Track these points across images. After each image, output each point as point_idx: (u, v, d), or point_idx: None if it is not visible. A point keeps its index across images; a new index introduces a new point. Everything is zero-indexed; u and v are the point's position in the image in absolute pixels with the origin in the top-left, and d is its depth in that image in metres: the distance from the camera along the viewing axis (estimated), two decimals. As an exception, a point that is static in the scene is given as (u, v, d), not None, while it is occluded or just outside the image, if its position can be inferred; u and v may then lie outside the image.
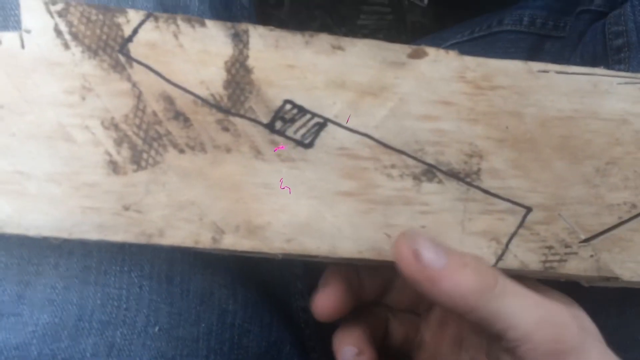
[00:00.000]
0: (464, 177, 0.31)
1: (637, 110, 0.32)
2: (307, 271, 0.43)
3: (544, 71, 0.32)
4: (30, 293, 0.30)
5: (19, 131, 0.28)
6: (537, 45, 0.49)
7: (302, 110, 0.29)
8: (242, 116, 0.29)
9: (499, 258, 0.30)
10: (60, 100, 0.28)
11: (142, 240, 0.28)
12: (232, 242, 0.28)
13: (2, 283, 0.30)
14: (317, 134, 0.30)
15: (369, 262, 0.30)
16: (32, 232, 0.27)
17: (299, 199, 0.29)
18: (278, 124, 0.29)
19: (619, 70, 0.46)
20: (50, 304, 0.31)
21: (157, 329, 0.32)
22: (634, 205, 0.32)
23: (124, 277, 0.32)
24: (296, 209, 0.29)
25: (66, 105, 0.28)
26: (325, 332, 0.43)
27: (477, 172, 0.31)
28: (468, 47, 0.52)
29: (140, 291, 0.32)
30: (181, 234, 0.28)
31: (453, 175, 0.30)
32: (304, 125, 0.29)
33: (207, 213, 0.28)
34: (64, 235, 0.28)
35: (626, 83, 0.33)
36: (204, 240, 0.28)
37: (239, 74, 0.29)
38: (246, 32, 0.29)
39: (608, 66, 0.45)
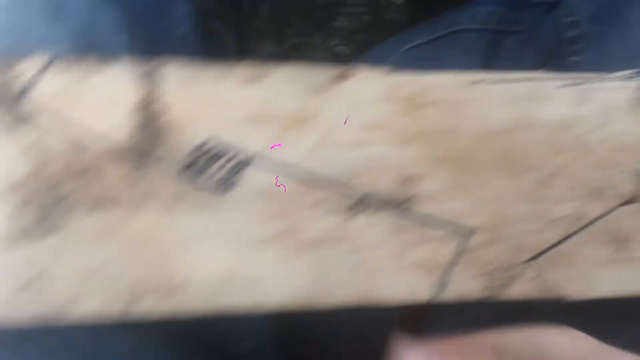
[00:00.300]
0: (399, 206, 0.29)
1: (578, 113, 0.30)
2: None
3: (479, 82, 0.29)
4: None
5: None
6: (496, 42, 0.46)
7: (221, 150, 0.27)
8: (156, 162, 0.27)
9: (438, 289, 0.29)
10: None
11: (51, 314, 0.26)
12: (150, 305, 0.26)
13: None
14: (237, 175, 0.27)
15: (299, 310, 0.28)
16: None
17: (220, 250, 0.27)
18: (195, 168, 0.27)
19: (575, 63, 0.44)
20: None
21: None
22: (580, 217, 0.30)
23: (37, 351, 0.30)
24: (217, 262, 0.27)
25: None
26: None
27: (413, 198, 0.29)
28: (427, 50, 0.49)
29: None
30: (94, 304, 0.26)
31: (386, 204, 0.29)
32: (223, 166, 0.27)
33: (121, 276, 0.26)
34: None
35: (566, 85, 0.31)
36: (120, 307, 0.26)
37: (150, 117, 0.26)
38: (158, 69, 0.26)
39: (564, 59, 0.43)
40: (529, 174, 0.30)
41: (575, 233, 0.30)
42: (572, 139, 0.30)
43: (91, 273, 0.26)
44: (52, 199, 0.26)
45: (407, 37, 0.53)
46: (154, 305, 0.26)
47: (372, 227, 0.28)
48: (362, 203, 0.28)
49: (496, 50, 0.46)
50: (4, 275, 0.26)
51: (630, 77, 0.32)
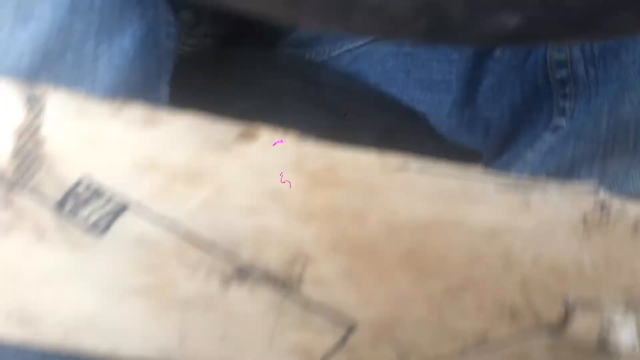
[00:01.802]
0: (282, 283, 0.27)
1: (511, 223, 0.27)
2: None
3: (403, 169, 0.27)
4: None
5: None
6: (481, 63, 0.42)
7: (99, 191, 0.26)
8: (27, 191, 0.26)
9: None
10: None
11: None
12: (1, 330, 0.26)
13: None
14: (113, 219, 0.26)
15: None
16: None
17: (84, 290, 0.26)
18: (69, 205, 0.26)
19: (566, 108, 0.40)
20: None
21: None
22: (482, 337, 0.27)
23: None
24: (79, 302, 0.26)
25: None
26: None
27: (300, 278, 0.27)
28: (411, 48, 0.46)
29: None
30: None
31: (269, 279, 0.27)
32: (100, 208, 0.26)
33: None
34: None
35: (505, 190, 0.28)
36: None
37: (29, 144, 0.26)
38: (42, 97, 0.25)
39: (553, 103, 0.39)
40: (436, 279, 0.27)
41: (472, 351, 0.27)
42: (497, 249, 0.27)
43: None
44: None
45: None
46: (5, 331, 0.26)
47: (249, 300, 0.27)
48: (244, 273, 0.27)
49: (481, 74, 0.42)
50: None
51: (589, 190, 0.28)
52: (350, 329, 0.27)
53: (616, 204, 0.28)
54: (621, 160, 0.34)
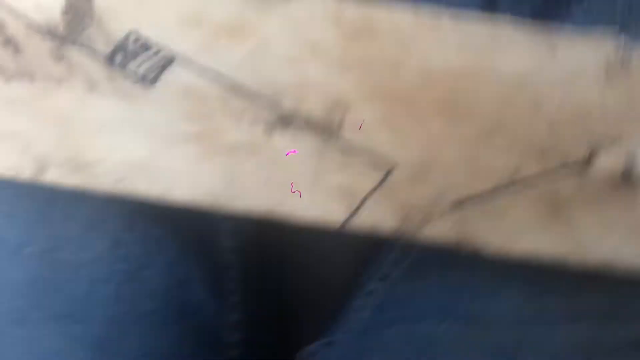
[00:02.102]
0: (324, 129, 0.28)
1: (539, 68, 0.29)
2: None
3: (435, 20, 0.28)
4: None
5: None
6: None
7: (147, 44, 0.27)
8: (79, 45, 0.27)
9: (351, 215, 0.29)
10: None
11: None
12: (57, 176, 0.27)
13: None
14: (162, 70, 0.27)
15: (205, 209, 0.29)
16: None
17: (136, 138, 0.28)
18: (119, 57, 0.27)
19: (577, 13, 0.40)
20: None
21: (32, 249, 0.32)
22: (515, 172, 0.29)
23: (2, 195, 0.32)
24: (131, 149, 0.28)
25: None
26: (257, 277, 0.42)
27: (339, 123, 0.28)
28: None
29: (11, 209, 0.31)
30: (1, 165, 0.27)
31: (311, 125, 0.28)
32: (148, 59, 0.27)
33: (32, 145, 0.27)
34: None
35: (533, 37, 0.29)
36: (26, 172, 0.27)
37: (79, 1, 0.27)
38: None
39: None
40: (469, 123, 0.29)
41: (506, 187, 0.29)
42: (526, 94, 0.29)
43: (2, 136, 0.27)
44: None
45: None
46: (59, 176, 0.27)
47: (292, 144, 0.28)
48: (286, 120, 0.28)
49: None
50: None
51: (611, 36, 0.29)
52: (389, 170, 0.29)
53: (638, 46, 0.29)
54: None
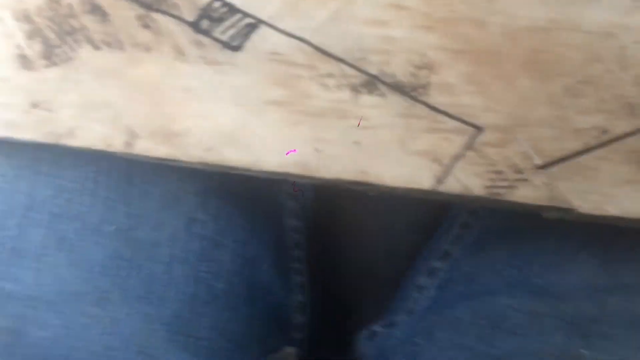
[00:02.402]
0: (410, 91, 0.28)
1: (627, 22, 0.28)
2: (308, 188, 0.41)
3: None
4: None
5: None
6: None
7: (232, 9, 0.27)
8: (165, 13, 0.27)
9: (440, 180, 0.28)
10: None
11: (51, 139, 0.27)
12: (147, 147, 0.27)
13: None
14: (247, 35, 0.27)
15: (294, 177, 0.28)
16: None
17: (223, 105, 0.27)
18: (204, 23, 0.27)
19: None
20: None
21: (113, 228, 0.32)
22: (604, 131, 0.28)
23: (78, 171, 0.31)
24: (219, 117, 0.27)
25: None
26: (319, 257, 0.42)
27: (426, 86, 0.28)
28: None
29: (95, 187, 0.31)
30: (92, 136, 0.27)
31: (397, 88, 0.28)
32: (233, 25, 0.27)
33: (121, 115, 0.27)
34: None
35: (618, -10, 0.28)
36: (116, 143, 0.27)
37: None
38: None
39: None
40: (556, 79, 0.28)
41: (597, 147, 0.28)
42: (612, 49, 0.28)
43: (92, 107, 0.27)
44: (63, 31, 0.27)
45: None
46: (149, 147, 0.27)
47: (379, 107, 0.28)
48: (373, 83, 0.28)
49: None
50: (13, 96, 0.27)
51: None
52: (477, 130, 0.28)
53: None
54: None
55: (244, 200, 0.36)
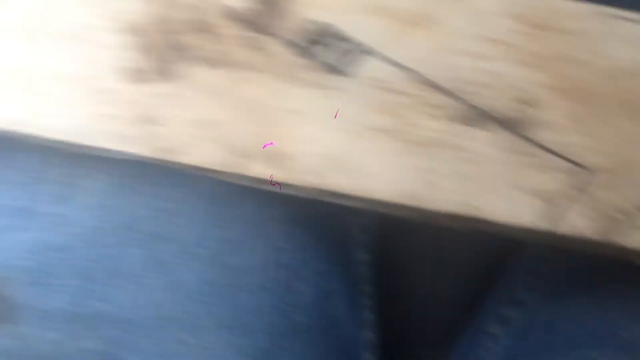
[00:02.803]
0: (516, 127, 0.27)
1: None
2: (374, 222, 0.40)
3: (621, 18, 0.28)
4: (77, 195, 0.29)
5: (40, 30, 0.26)
6: None
7: (340, 36, 0.27)
8: (276, 36, 0.27)
9: (551, 222, 0.27)
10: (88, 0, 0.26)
11: (160, 155, 0.26)
12: (258, 169, 0.26)
13: (47, 182, 0.29)
14: (355, 62, 0.27)
15: (401, 207, 0.27)
16: (45, 134, 0.26)
17: (330, 130, 0.27)
18: (314, 48, 0.27)
19: None
20: (98, 207, 0.29)
21: (206, 252, 0.30)
22: None
23: (175, 191, 0.30)
24: (326, 141, 0.27)
25: (93, 5, 0.26)
26: (387, 294, 0.40)
27: (531, 122, 0.27)
28: None
29: (192, 209, 0.30)
30: (201, 154, 0.26)
31: (504, 123, 0.27)
32: (342, 51, 0.27)
33: (231, 135, 0.26)
34: (78, 140, 0.26)
35: None
36: (225, 163, 0.26)
37: None
38: None
39: None
40: None
41: None
42: None
43: (203, 125, 0.26)
44: (173, 48, 0.26)
45: None
46: (261, 170, 0.26)
47: (487, 141, 0.27)
48: (481, 116, 0.27)
49: None
50: (126, 108, 0.26)
51: None
52: (586, 172, 0.27)
53: None
54: None
55: (323, 231, 0.35)
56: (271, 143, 0.27)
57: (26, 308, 0.27)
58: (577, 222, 0.27)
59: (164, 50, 0.27)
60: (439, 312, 0.44)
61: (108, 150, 0.27)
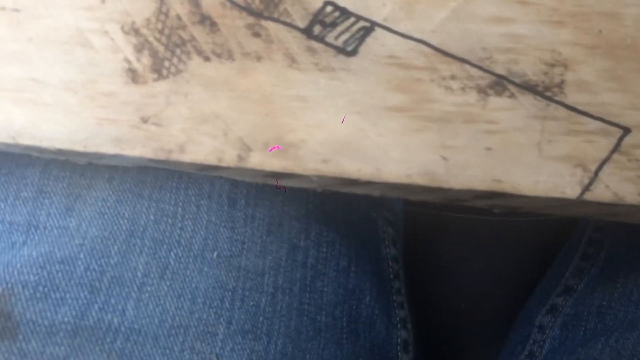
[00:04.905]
0: (543, 91, 0.25)
1: None
2: (400, 216, 0.38)
3: None
4: (80, 206, 0.29)
5: (36, 36, 0.26)
6: None
7: (345, 13, 0.25)
8: (275, 20, 0.25)
9: (586, 188, 0.25)
10: (79, 3, 0.26)
11: (161, 156, 0.25)
12: (260, 161, 0.25)
13: (50, 195, 0.29)
14: (362, 40, 0.25)
15: (419, 188, 0.25)
16: (45, 144, 0.26)
17: (339, 114, 0.25)
18: (317, 29, 0.25)
19: None
20: (100, 216, 0.29)
21: (215, 254, 0.29)
22: None
23: (180, 194, 0.29)
24: (335, 126, 0.25)
25: (85, 9, 0.26)
26: (420, 289, 0.39)
27: (560, 84, 0.25)
28: None
29: (197, 210, 0.29)
30: (204, 150, 0.25)
31: (529, 88, 0.25)
32: (347, 29, 0.25)
33: (232, 128, 0.25)
34: (79, 148, 0.25)
35: None
36: (229, 157, 0.25)
37: None
38: None
39: None
40: None
41: None
42: None
43: (203, 120, 0.25)
44: (171, 43, 0.25)
45: None
46: (263, 161, 0.25)
47: (510, 110, 0.25)
48: (501, 83, 0.25)
49: None
50: (122, 111, 0.25)
51: None
52: (623, 132, 0.25)
53: None
54: None
55: (343, 226, 0.34)
56: (278, 147, 0.25)
57: (29, 324, 0.27)
58: (617, 187, 0.25)
59: (161, 48, 0.26)
60: (480, 308, 0.42)
61: (110, 156, 0.26)
